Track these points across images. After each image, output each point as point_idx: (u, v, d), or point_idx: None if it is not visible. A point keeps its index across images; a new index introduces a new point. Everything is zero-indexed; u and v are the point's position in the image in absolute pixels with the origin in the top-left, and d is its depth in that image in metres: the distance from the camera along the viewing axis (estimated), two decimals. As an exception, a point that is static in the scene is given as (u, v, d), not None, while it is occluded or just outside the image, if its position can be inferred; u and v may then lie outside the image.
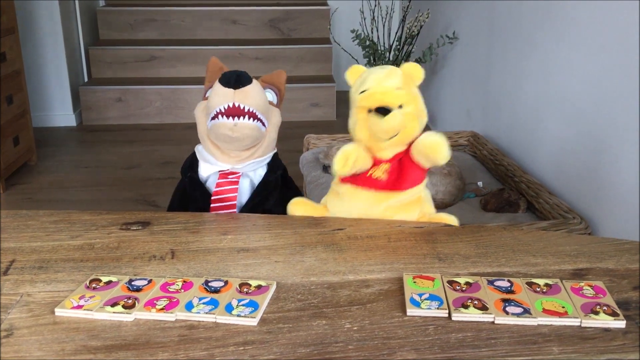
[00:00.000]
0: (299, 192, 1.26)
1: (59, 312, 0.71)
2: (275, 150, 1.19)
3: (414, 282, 0.77)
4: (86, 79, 3.84)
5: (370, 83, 0.97)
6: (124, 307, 0.71)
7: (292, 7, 4.01)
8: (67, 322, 0.69)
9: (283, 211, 1.14)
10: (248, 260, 0.84)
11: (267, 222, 0.98)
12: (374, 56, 2.92)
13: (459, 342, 0.65)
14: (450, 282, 0.77)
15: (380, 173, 0.99)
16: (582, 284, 0.76)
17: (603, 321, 0.68)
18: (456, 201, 1.81)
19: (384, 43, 3.02)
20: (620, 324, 0.68)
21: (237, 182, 1.13)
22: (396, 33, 2.99)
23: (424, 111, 1.01)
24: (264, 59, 3.85)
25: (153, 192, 2.65)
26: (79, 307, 0.71)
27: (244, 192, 1.15)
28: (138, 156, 3.11)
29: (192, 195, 1.17)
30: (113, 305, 0.72)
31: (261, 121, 1.08)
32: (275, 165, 1.18)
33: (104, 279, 0.78)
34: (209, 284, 0.76)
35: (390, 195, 0.99)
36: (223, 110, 1.04)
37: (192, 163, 1.18)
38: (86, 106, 3.60)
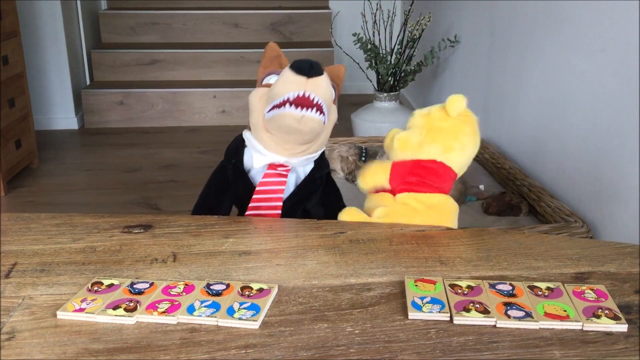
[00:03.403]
0: (339, 195, 1.19)
1: (60, 315, 0.71)
2: (324, 148, 1.13)
3: (416, 285, 0.77)
4: (88, 82, 3.84)
5: None
6: (125, 310, 0.71)
7: (294, 11, 4.02)
8: (69, 325, 0.69)
9: (323, 213, 1.09)
10: (250, 263, 0.84)
11: (269, 226, 0.98)
12: (376, 60, 2.92)
13: (460, 345, 0.65)
14: (452, 286, 0.76)
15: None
16: (583, 288, 0.76)
17: (605, 325, 0.68)
18: (457, 204, 1.81)
19: (385, 46, 3.02)
20: (622, 327, 0.68)
21: (286, 176, 1.07)
22: (398, 36, 2.99)
23: None
24: (265, 62, 3.85)
25: (155, 195, 2.65)
26: (81, 310, 0.71)
27: (287, 188, 1.09)
28: (140, 159, 3.12)
29: (234, 184, 1.11)
30: (115, 308, 0.72)
31: (325, 116, 1.02)
32: (322, 163, 1.12)
33: (106, 282, 0.78)
34: (211, 287, 0.76)
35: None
36: (291, 99, 0.97)
37: (237, 148, 1.11)
38: (88, 109, 3.61)
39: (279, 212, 1.07)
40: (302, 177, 1.10)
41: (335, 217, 1.06)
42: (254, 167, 1.08)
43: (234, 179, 1.11)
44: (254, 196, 1.07)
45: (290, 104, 0.97)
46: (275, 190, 1.07)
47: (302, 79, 0.97)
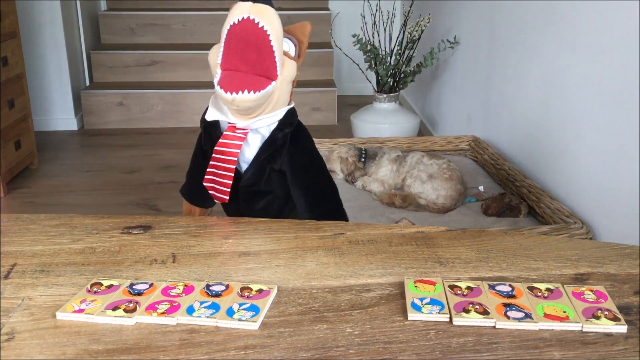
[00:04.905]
0: (308, 153, 1.13)
1: (60, 315, 0.71)
2: (291, 106, 1.07)
3: (415, 286, 0.77)
4: (88, 83, 3.85)
5: None
6: (125, 311, 0.71)
7: (293, 12, 4.02)
8: (69, 326, 0.69)
9: (294, 172, 1.06)
10: (249, 264, 0.84)
11: (268, 226, 0.98)
12: (375, 61, 2.92)
13: (460, 346, 0.65)
14: (452, 287, 0.77)
15: None
16: (583, 289, 0.76)
17: (604, 326, 0.68)
18: (457, 205, 1.81)
19: (385, 47, 3.02)
20: (622, 328, 0.68)
21: (243, 139, 1.03)
22: (397, 37, 3.00)
23: None
24: (265, 63, 3.85)
25: (154, 196, 2.65)
26: (80, 311, 0.71)
27: (255, 149, 1.06)
28: (139, 160, 3.12)
29: (204, 148, 1.08)
30: (114, 309, 0.72)
31: (263, 90, 0.96)
32: (285, 122, 1.06)
33: (105, 282, 0.78)
34: (210, 288, 0.76)
35: None
36: (236, 22, 0.93)
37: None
38: (87, 110, 3.61)
39: (232, 174, 1.04)
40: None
41: (300, 178, 1.06)
42: (209, 118, 1.05)
43: (205, 144, 1.08)
44: (213, 155, 1.04)
45: (221, 86, 0.94)
46: (230, 153, 1.03)
47: (246, 4, 0.93)
